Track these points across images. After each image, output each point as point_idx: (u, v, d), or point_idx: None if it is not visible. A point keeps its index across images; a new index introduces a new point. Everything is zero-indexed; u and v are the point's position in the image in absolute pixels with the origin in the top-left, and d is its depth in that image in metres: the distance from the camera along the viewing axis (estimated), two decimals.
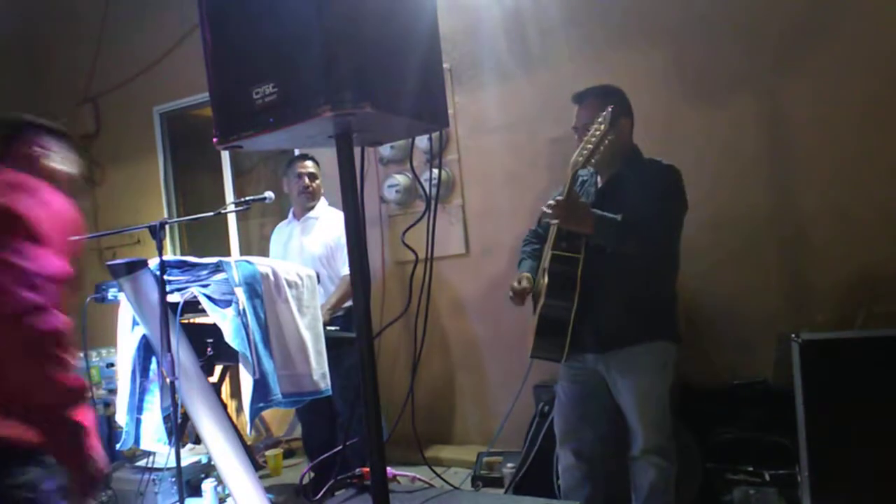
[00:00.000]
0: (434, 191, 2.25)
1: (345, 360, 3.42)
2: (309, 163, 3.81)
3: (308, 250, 3.73)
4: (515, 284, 2.61)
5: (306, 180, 3.79)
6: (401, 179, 4.31)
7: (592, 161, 2.32)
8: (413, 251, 2.00)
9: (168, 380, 2.52)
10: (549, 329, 2.48)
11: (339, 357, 3.33)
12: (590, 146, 2.27)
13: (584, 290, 2.41)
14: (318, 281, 3.02)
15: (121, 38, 5.51)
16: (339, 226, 3.61)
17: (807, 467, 2.62)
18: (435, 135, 1.88)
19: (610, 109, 2.27)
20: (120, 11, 5.50)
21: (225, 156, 5.18)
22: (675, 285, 2.58)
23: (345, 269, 3.55)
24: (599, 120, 2.26)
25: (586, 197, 2.58)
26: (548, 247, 2.50)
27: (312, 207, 3.83)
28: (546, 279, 2.45)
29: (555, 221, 2.33)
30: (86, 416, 1.73)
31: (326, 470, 3.20)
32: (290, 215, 3.96)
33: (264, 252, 5.03)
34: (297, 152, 4.16)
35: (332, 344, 3.11)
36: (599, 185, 2.61)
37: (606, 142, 2.27)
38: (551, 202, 2.29)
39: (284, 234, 3.94)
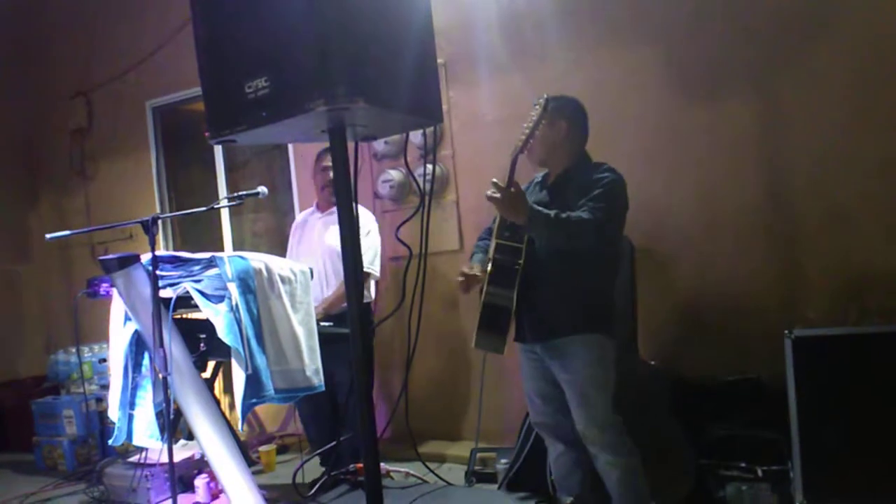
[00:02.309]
0: (428, 186, 2.26)
1: (347, 355, 3.40)
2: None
3: (327, 244, 3.68)
4: (465, 269, 2.65)
5: (330, 175, 3.66)
6: (395, 175, 4.29)
7: (529, 146, 2.45)
8: (407, 246, 2.00)
9: (160, 375, 2.51)
10: (492, 318, 2.55)
11: (343, 352, 3.33)
12: (526, 131, 2.42)
13: (524, 279, 2.49)
14: (312, 276, 3.01)
15: (113, 32, 5.48)
16: (362, 221, 3.54)
17: (799, 463, 2.63)
18: (429, 130, 1.88)
19: (545, 96, 2.41)
20: (113, 5, 5.47)
21: (218, 150, 5.16)
22: (613, 283, 2.64)
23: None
24: (536, 106, 2.40)
25: (533, 196, 2.65)
26: (493, 236, 2.57)
27: (331, 201, 3.78)
28: (490, 267, 2.54)
29: (495, 204, 2.37)
30: None
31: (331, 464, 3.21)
32: (314, 206, 3.89)
33: (257, 247, 5.03)
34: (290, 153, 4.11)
35: (335, 338, 3.10)
36: (549, 183, 2.68)
37: (542, 124, 2.43)
38: (493, 185, 2.34)
39: (304, 225, 3.89)
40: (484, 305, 2.56)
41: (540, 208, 2.38)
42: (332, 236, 3.68)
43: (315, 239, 3.76)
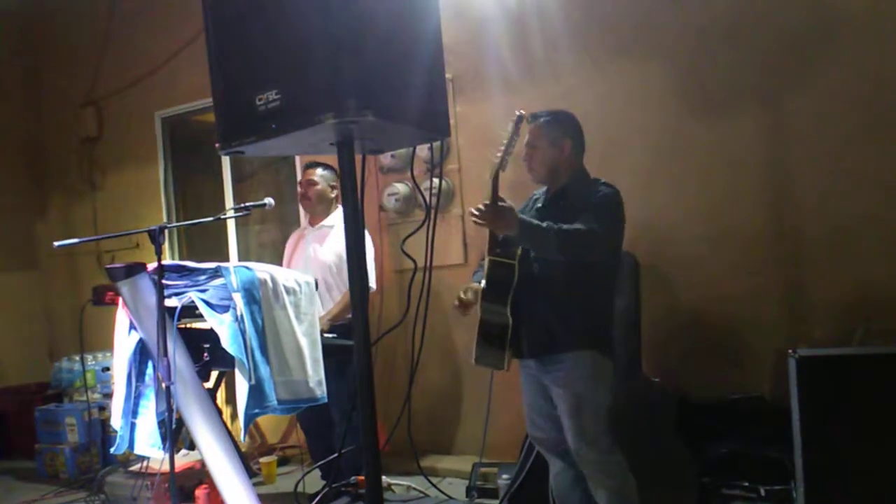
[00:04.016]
0: (434, 200, 2.27)
1: (347, 367, 3.41)
2: (309, 170, 3.83)
3: (319, 258, 3.72)
4: (462, 295, 2.65)
5: (303, 187, 3.84)
6: (400, 188, 4.31)
7: (505, 165, 2.49)
8: (412, 260, 2.00)
9: (164, 384, 2.51)
10: (489, 334, 2.56)
11: (342, 364, 3.33)
12: (500, 152, 2.46)
13: (517, 296, 2.50)
14: (317, 288, 3.02)
15: (125, 42, 5.53)
16: None
17: (802, 484, 2.61)
18: (436, 144, 1.89)
19: (517, 114, 2.47)
20: (125, 15, 5.52)
21: (225, 161, 5.18)
22: (611, 299, 2.62)
23: None
24: (509, 127, 2.45)
25: (531, 213, 2.66)
26: (485, 252, 2.58)
27: (318, 214, 3.84)
28: (483, 283, 2.56)
29: (481, 223, 2.41)
30: None
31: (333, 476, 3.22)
32: (305, 221, 3.98)
33: (262, 258, 5.04)
34: (297, 164, 4.19)
35: (335, 351, 3.11)
36: (547, 200, 2.69)
37: (514, 144, 2.48)
38: (476, 208, 2.38)
39: (297, 240, 3.96)
40: (481, 322, 2.57)
41: (530, 219, 2.40)
42: (324, 250, 3.73)
43: (306, 253, 3.80)
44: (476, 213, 2.37)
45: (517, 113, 2.47)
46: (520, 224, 2.34)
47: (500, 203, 2.38)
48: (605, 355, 2.52)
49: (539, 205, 2.71)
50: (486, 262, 2.57)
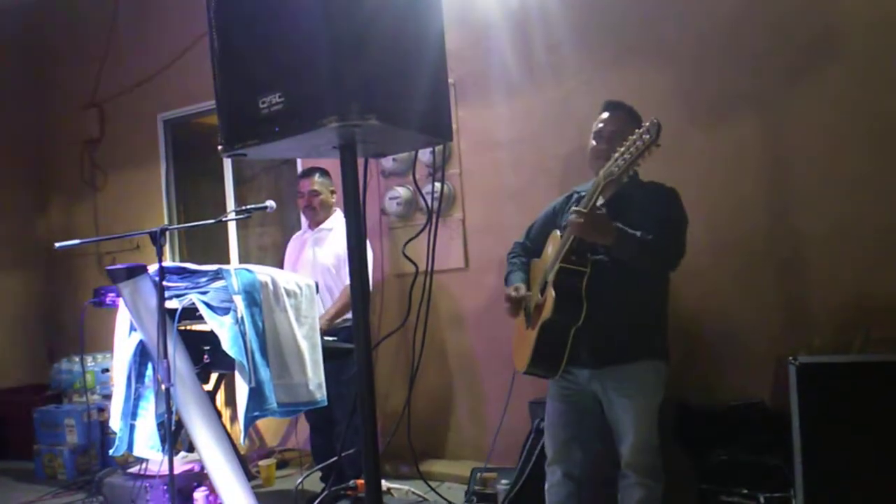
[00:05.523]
0: (435, 204, 2.26)
1: (346, 370, 3.42)
2: (309, 180, 3.84)
3: (320, 261, 3.75)
4: (513, 293, 2.61)
5: (306, 198, 3.86)
6: (402, 192, 4.31)
7: (630, 172, 2.25)
8: (414, 264, 2.00)
9: (163, 386, 2.52)
10: (549, 343, 2.46)
11: (341, 367, 3.34)
12: (627, 156, 2.17)
13: (588, 304, 2.41)
14: (318, 291, 3.02)
15: (128, 44, 5.55)
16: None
17: (802, 491, 2.61)
18: (438, 148, 1.89)
19: (657, 122, 2.13)
20: (128, 17, 5.53)
21: (227, 164, 5.19)
22: (668, 305, 2.60)
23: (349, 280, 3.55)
24: (641, 130, 2.14)
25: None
26: (553, 260, 2.48)
27: (321, 220, 3.86)
28: (553, 292, 2.41)
29: (579, 231, 2.28)
30: None
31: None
32: (305, 225, 3.99)
33: (263, 261, 5.05)
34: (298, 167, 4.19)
35: (335, 354, 3.11)
36: (600, 203, 2.59)
37: (648, 154, 2.14)
38: (576, 211, 2.26)
39: (297, 244, 3.99)
40: (542, 330, 2.46)
41: (627, 229, 2.29)
42: (324, 253, 3.75)
43: (307, 257, 3.83)
44: (579, 217, 2.24)
45: (655, 121, 2.12)
46: (618, 234, 2.26)
47: (599, 211, 2.27)
48: (666, 362, 2.52)
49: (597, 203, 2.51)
50: (555, 269, 2.43)
